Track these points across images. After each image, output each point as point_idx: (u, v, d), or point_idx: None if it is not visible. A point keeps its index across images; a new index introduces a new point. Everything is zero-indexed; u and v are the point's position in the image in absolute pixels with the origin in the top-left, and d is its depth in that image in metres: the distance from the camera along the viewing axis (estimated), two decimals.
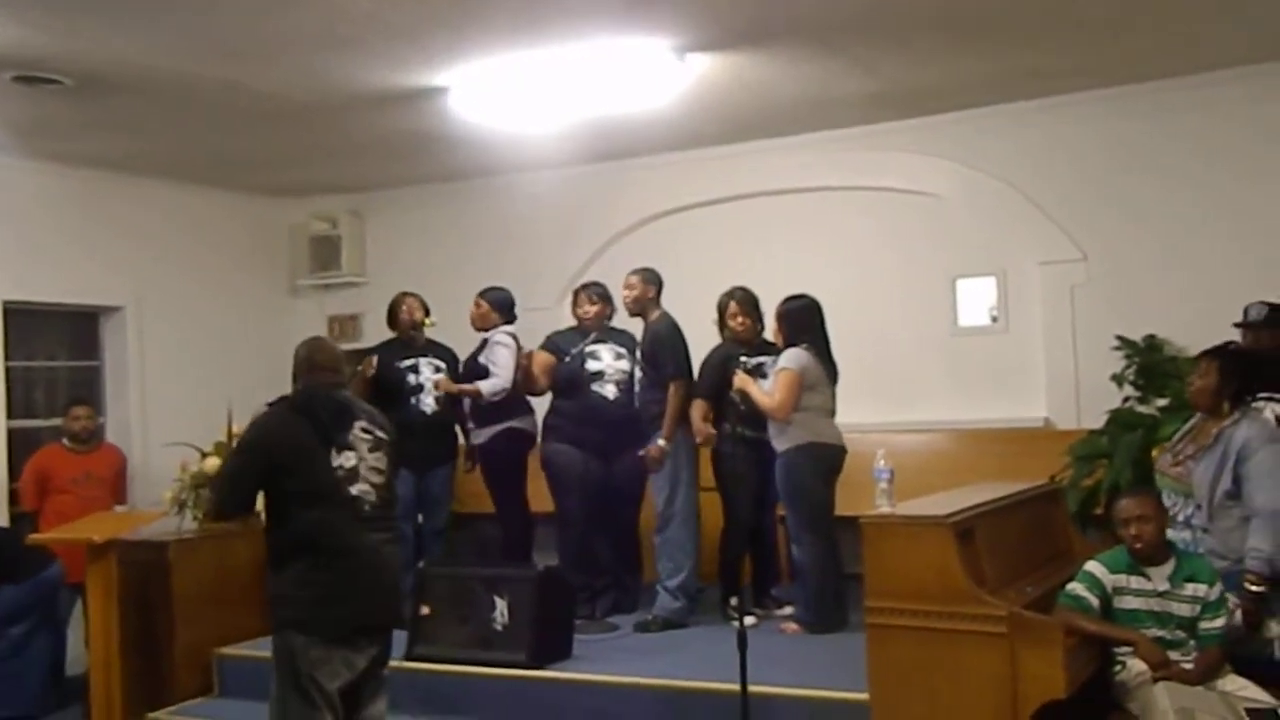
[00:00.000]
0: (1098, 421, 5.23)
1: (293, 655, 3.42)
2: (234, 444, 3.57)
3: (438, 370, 5.92)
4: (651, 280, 5.50)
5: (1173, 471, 4.06)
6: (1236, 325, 4.62)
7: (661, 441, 5.25)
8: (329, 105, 5.41)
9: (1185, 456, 4.02)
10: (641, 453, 5.31)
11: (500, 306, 5.87)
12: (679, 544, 5.32)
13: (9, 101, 5.16)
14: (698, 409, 5.29)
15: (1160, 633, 3.69)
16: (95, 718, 4.89)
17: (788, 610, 5.23)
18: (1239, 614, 3.72)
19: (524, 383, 5.66)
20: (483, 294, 5.92)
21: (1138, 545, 3.73)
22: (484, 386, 5.66)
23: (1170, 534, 3.89)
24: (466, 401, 5.82)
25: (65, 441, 6.00)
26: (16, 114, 5.39)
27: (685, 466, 5.34)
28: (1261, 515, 3.70)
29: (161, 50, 4.60)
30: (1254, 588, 3.68)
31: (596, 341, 5.61)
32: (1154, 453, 4.46)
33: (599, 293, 5.69)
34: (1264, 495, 3.71)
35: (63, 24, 4.27)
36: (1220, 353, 4.06)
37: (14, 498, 6.14)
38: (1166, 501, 3.99)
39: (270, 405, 3.59)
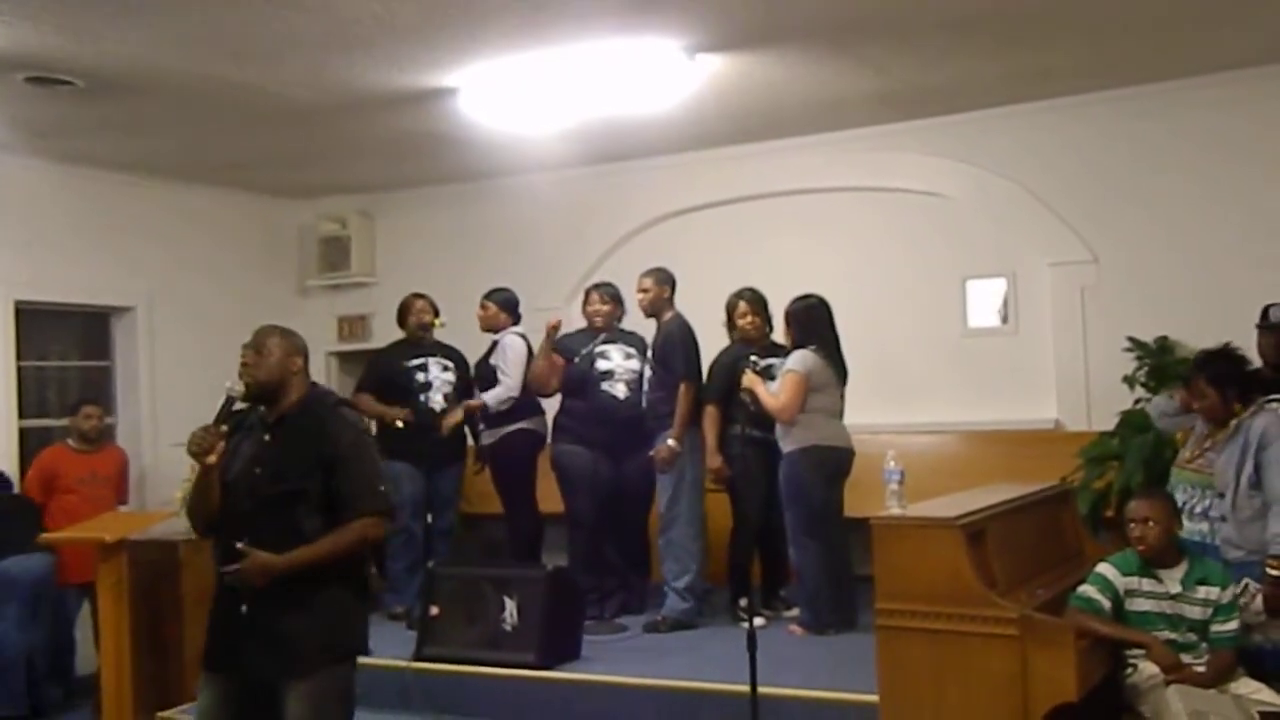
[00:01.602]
0: (1109, 423, 5.22)
1: (350, 690, 3.01)
2: (353, 445, 3.10)
3: (445, 369, 5.93)
4: (665, 281, 5.51)
5: (1193, 465, 4.09)
6: (1258, 326, 4.60)
7: (671, 442, 5.25)
8: (338, 106, 5.41)
9: (1205, 449, 4.06)
10: (651, 453, 5.32)
11: (508, 307, 5.89)
12: (683, 545, 5.32)
13: (21, 102, 5.18)
14: (710, 419, 5.29)
15: (1172, 635, 3.68)
16: (106, 717, 4.91)
17: (796, 611, 5.23)
18: (1259, 599, 3.75)
19: (535, 384, 5.66)
20: (488, 296, 5.93)
21: (1140, 547, 3.75)
22: (488, 398, 5.70)
23: (1188, 526, 3.92)
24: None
25: (70, 441, 6.00)
26: (28, 115, 5.41)
27: (690, 468, 5.34)
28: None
29: (172, 52, 4.61)
30: (1275, 572, 3.71)
31: (606, 342, 5.62)
32: (1178, 437, 4.40)
33: (610, 293, 5.70)
34: None
35: (75, 26, 4.28)
36: (1202, 369, 4.07)
37: None
38: (1184, 495, 4.02)
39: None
